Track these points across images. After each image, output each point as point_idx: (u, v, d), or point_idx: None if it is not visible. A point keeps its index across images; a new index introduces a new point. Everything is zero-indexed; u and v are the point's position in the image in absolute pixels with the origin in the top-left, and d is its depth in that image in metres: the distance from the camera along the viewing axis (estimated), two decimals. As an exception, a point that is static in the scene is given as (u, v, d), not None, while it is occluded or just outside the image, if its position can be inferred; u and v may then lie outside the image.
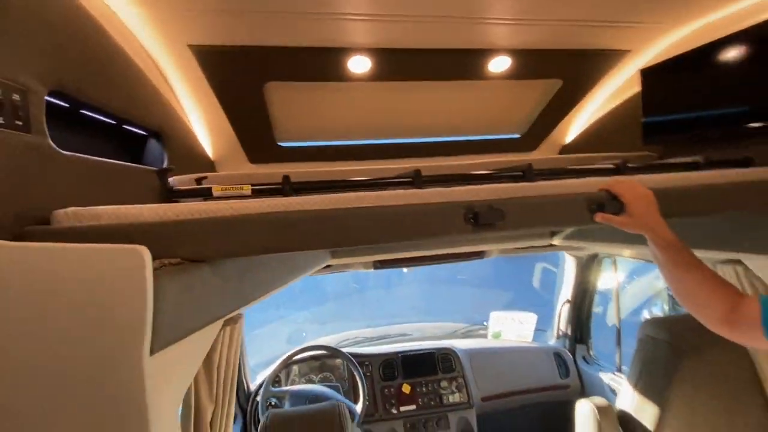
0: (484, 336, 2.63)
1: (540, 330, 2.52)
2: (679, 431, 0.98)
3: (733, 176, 0.93)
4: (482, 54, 1.37)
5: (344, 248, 1.47)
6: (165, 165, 1.14)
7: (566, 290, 2.29)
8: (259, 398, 1.76)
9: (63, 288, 0.48)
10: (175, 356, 0.62)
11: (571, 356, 2.28)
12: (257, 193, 0.84)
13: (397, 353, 2.17)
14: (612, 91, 1.70)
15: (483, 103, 1.66)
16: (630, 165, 1.02)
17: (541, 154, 1.99)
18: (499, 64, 1.41)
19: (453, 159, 1.75)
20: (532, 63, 1.44)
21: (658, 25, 1.34)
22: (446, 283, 8.45)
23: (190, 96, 1.30)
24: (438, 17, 1.16)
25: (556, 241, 1.63)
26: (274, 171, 1.59)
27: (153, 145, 1.18)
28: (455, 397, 2.07)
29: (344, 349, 2.06)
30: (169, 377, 0.61)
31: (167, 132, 1.18)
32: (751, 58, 1.13)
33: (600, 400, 1.10)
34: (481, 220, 0.70)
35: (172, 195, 0.86)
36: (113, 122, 1.00)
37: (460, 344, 2.31)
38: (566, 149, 1.99)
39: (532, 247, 1.83)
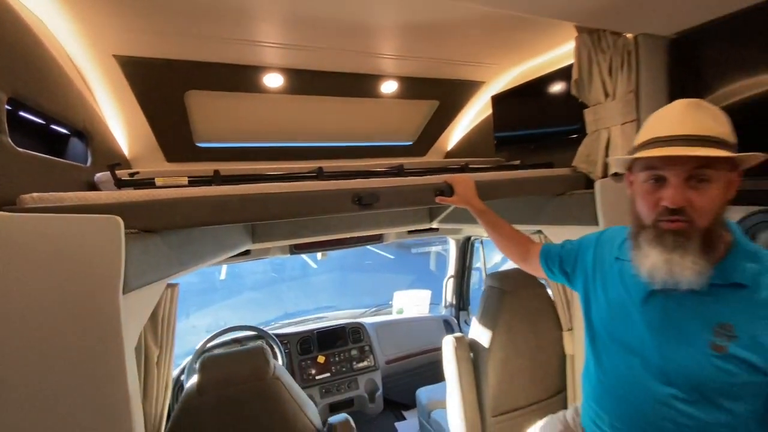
0: (390, 313, 3.03)
1: (434, 304, 3.02)
2: (503, 345, 1.46)
3: (537, 173, 1.42)
4: (375, 78, 1.71)
5: (264, 232, 1.69)
6: (89, 162, 1.26)
7: (451, 268, 2.81)
8: (183, 377, 1.87)
9: (58, 246, 0.67)
10: (136, 301, 0.83)
11: (456, 321, 2.81)
12: (193, 184, 1.05)
13: (312, 330, 2.45)
14: (477, 111, 2.19)
15: (380, 115, 2.01)
16: (471, 166, 1.46)
17: (429, 158, 2.43)
18: (389, 87, 1.78)
19: (355, 161, 2.08)
20: (414, 87, 1.83)
21: (502, 64, 1.82)
22: (356, 270, 9.02)
23: (112, 100, 1.40)
24: (339, 49, 1.45)
25: (434, 224, 2.07)
26: (192, 168, 1.74)
27: (75, 143, 1.28)
28: (363, 363, 2.42)
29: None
30: (131, 317, 0.82)
31: (90, 132, 1.29)
32: (560, 91, 1.61)
33: (457, 334, 1.54)
34: (363, 201, 1.03)
35: (120, 185, 1.02)
36: (43, 122, 1.11)
37: (368, 320, 2.68)
38: (449, 154, 2.45)
39: (418, 230, 2.26)
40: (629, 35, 1.36)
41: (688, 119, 0.70)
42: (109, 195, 0.82)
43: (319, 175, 1.18)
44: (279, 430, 1.03)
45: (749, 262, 0.69)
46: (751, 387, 0.66)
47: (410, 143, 2.30)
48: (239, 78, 1.49)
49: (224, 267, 9.54)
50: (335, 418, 1.16)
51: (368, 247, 10.63)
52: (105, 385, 0.72)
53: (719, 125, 0.70)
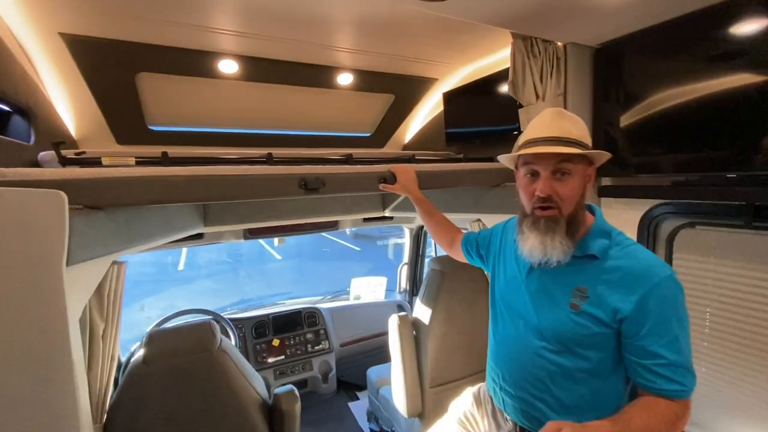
0: (347, 299, 3.12)
1: (390, 290, 3.15)
2: (442, 322, 1.60)
3: (474, 166, 1.54)
4: (331, 70, 1.76)
5: (216, 215, 1.71)
6: (32, 140, 1.25)
7: (405, 256, 2.95)
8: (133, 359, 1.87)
9: (3, 218, 0.70)
10: (80, 274, 0.86)
11: (409, 306, 2.96)
12: (141, 165, 1.08)
13: (268, 315, 2.50)
14: (431, 106, 2.29)
15: (337, 106, 2.05)
16: (417, 157, 1.57)
17: (387, 150, 2.52)
18: (345, 79, 1.83)
19: (310, 149, 2.13)
20: (370, 80, 1.90)
21: (453, 63, 1.92)
22: (314, 258, 9.12)
23: (58, 79, 1.37)
24: (295, 40, 1.49)
25: (387, 212, 2.18)
26: (142, 151, 1.72)
27: (18, 121, 1.26)
28: (318, 346, 2.51)
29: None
30: (76, 289, 0.85)
31: (34, 110, 1.26)
32: (504, 91, 1.67)
33: (402, 313, 1.66)
34: (309, 186, 1.10)
35: (65, 163, 1.03)
36: (-19, 98, 1.09)
37: (324, 305, 2.76)
38: (406, 147, 2.55)
39: (373, 218, 2.36)
40: (559, 43, 1.50)
41: (554, 124, 0.86)
42: (52, 172, 0.84)
43: (269, 160, 1.24)
44: (225, 399, 1.09)
45: (602, 238, 0.87)
46: (599, 337, 0.83)
47: (368, 135, 2.37)
48: (193, 62, 1.50)
49: (183, 257, 9.25)
50: (280, 389, 1.24)
51: (330, 236, 10.73)
52: (49, 354, 0.76)
53: (577, 129, 0.87)
